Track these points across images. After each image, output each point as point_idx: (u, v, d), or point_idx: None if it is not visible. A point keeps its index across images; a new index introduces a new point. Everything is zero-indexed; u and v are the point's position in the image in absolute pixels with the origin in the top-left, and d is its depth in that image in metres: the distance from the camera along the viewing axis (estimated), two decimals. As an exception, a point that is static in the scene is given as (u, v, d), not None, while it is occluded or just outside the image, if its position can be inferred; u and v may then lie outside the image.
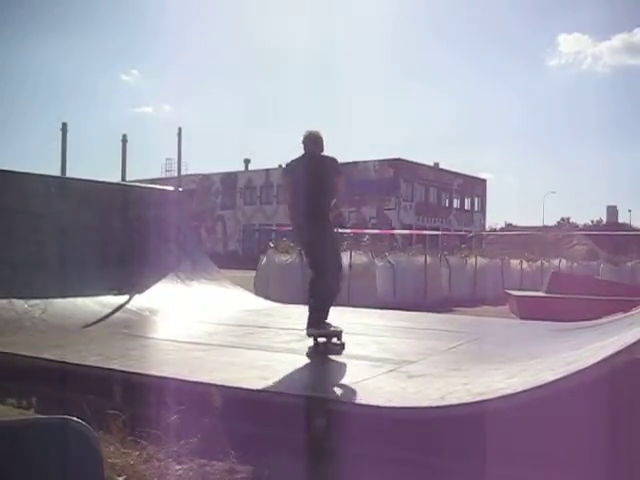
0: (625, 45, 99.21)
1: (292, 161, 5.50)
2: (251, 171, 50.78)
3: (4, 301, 6.16)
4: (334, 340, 5.09)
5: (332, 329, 5.12)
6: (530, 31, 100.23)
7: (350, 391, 3.59)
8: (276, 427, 3.45)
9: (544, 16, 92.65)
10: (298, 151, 5.42)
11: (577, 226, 60.08)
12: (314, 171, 5.20)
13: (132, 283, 7.47)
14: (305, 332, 5.18)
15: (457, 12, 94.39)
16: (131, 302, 7.16)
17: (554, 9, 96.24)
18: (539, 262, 18.70)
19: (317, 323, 5.13)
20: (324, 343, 5.09)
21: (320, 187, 5.18)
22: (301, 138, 5.38)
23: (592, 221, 63.59)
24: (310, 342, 5.13)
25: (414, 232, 23.90)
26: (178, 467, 2.92)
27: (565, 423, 2.86)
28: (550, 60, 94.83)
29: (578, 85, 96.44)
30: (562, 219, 65.60)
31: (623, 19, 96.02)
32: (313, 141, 5.35)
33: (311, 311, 5.22)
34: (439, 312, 9.65)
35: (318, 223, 5.21)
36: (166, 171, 45.52)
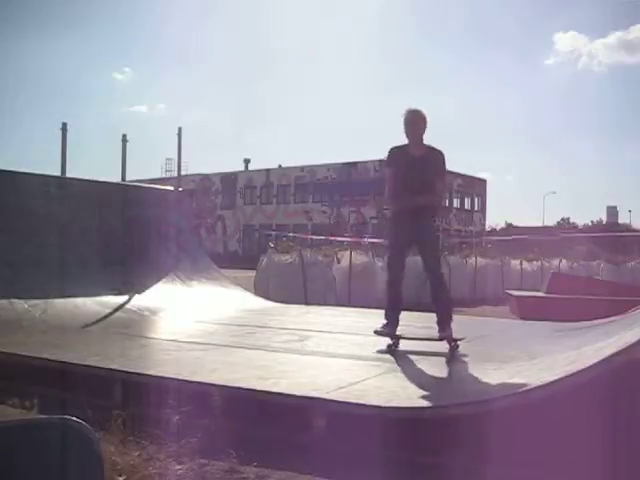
0: (621, 43, 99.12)
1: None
2: (251, 171, 50.79)
3: (4, 301, 6.15)
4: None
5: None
6: (526, 30, 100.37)
7: (350, 391, 3.59)
8: (276, 427, 3.45)
9: (540, 15, 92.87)
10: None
11: (577, 226, 60.05)
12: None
13: (132, 283, 7.47)
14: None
15: (454, 12, 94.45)
16: (131, 302, 7.16)
17: (550, 8, 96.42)
18: (539, 262, 18.69)
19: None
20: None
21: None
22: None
23: (592, 221, 63.67)
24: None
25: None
26: (178, 467, 2.92)
27: (565, 423, 2.86)
28: (547, 59, 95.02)
29: (575, 84, 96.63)
30: (562, 219, 65.65)
31: (619, 17, 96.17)
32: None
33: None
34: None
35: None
36: (166, 171, 45.58)
